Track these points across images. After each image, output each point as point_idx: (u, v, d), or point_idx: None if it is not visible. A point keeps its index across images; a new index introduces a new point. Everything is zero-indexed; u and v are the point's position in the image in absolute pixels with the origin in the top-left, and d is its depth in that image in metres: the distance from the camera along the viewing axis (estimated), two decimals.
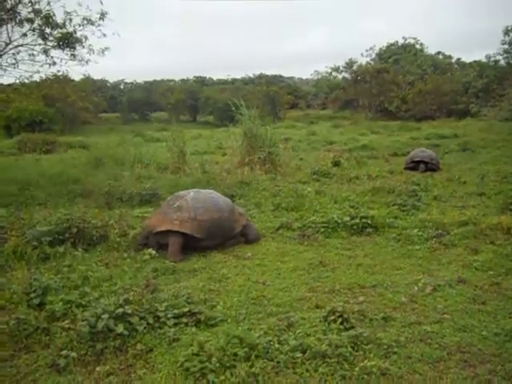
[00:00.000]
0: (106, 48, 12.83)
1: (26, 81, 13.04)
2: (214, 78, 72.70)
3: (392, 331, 4.24)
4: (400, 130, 29.33)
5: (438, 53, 52.86)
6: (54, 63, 12.30)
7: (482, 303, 4.85)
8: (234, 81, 66.43)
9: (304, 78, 72.64)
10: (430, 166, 13.80)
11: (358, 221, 7.59)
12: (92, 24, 12.07)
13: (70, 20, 12.00)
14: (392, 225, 7.79)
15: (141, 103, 51.62)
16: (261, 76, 63.05)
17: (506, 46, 40.04)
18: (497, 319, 4.48)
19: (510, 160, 15.17)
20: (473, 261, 6.10)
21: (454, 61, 52.55)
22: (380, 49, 53.85)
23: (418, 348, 3.95)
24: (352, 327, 4.20)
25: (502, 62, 41.80)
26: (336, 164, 14.43)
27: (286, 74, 72.18)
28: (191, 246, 6.71)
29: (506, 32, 39.22)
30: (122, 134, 23.30)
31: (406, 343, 4.02)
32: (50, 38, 11.78)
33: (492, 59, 42.51)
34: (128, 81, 63.13)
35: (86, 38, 12.22)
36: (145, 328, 4.19)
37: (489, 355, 3.87)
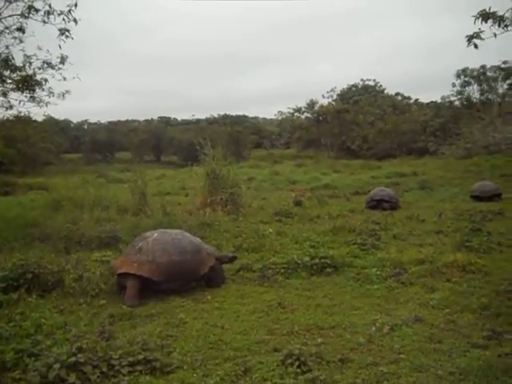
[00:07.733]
0: (67, 91, 12.79)
1: None
2: (179, 119, 73.36)
3: (349, 373, 4.23)
4: (361, 168, 29.82)
5: (397, 94, 54.47)
6: (11, 107, 12.20)
7: (438, 342, 4.90)
8: (198, 121, 66.78)
9: (268, 117, 73.43)
10: (389, 205, 14.04)
11: (317, 261, 7.62)
12: (52, 67, 12.06)
13: (30, 63, 11.97)
14: (351, 264, 7.87)
15: (104, 143, 51.20)
16: (225, 116, 63.52)
17: (458, 88, 42.36)
18: (452, 358, 4.52)
19: (466, 197, 15.61)
20: (429, 299, 6.18)
21: (412, 101, 54.19)
22: (341, 90, 55.23)
23: None
24: (309, 370, 4.18)
25: (457, 103, 43.73)
26: (298, 204, 14.56)
27: (250, 115, 73.01)
28: (151, 288, 6.59)
29: (458, 75, 41.80)
30: (85, 174, 22.93)
31: None
32: (9, 81, 11.72)
33: (447, 100, 44.43)
34: (92, 121, 63.11)
35: (45, 80, 12.17)
36: (98, 377, 4.08)
37: None
